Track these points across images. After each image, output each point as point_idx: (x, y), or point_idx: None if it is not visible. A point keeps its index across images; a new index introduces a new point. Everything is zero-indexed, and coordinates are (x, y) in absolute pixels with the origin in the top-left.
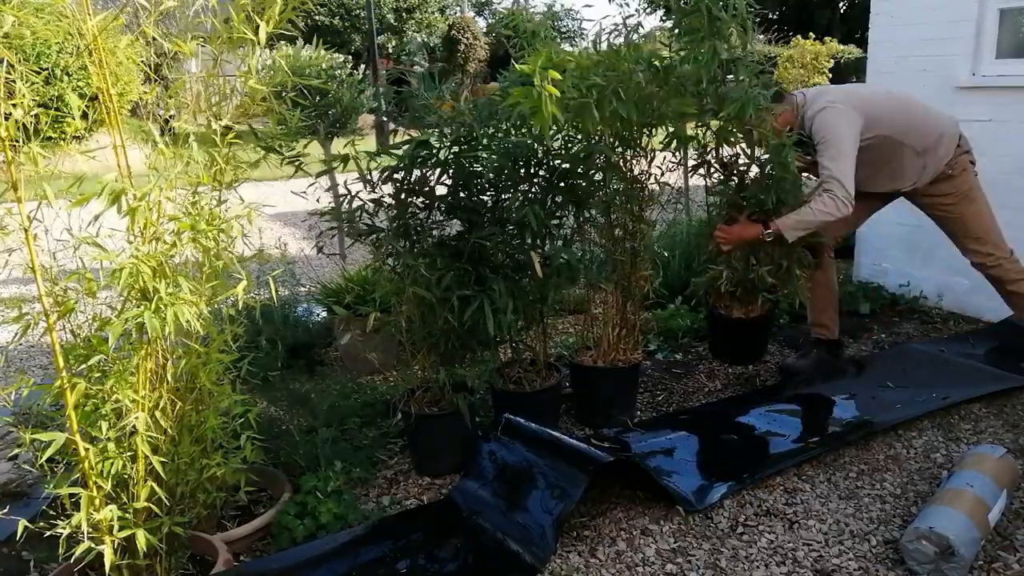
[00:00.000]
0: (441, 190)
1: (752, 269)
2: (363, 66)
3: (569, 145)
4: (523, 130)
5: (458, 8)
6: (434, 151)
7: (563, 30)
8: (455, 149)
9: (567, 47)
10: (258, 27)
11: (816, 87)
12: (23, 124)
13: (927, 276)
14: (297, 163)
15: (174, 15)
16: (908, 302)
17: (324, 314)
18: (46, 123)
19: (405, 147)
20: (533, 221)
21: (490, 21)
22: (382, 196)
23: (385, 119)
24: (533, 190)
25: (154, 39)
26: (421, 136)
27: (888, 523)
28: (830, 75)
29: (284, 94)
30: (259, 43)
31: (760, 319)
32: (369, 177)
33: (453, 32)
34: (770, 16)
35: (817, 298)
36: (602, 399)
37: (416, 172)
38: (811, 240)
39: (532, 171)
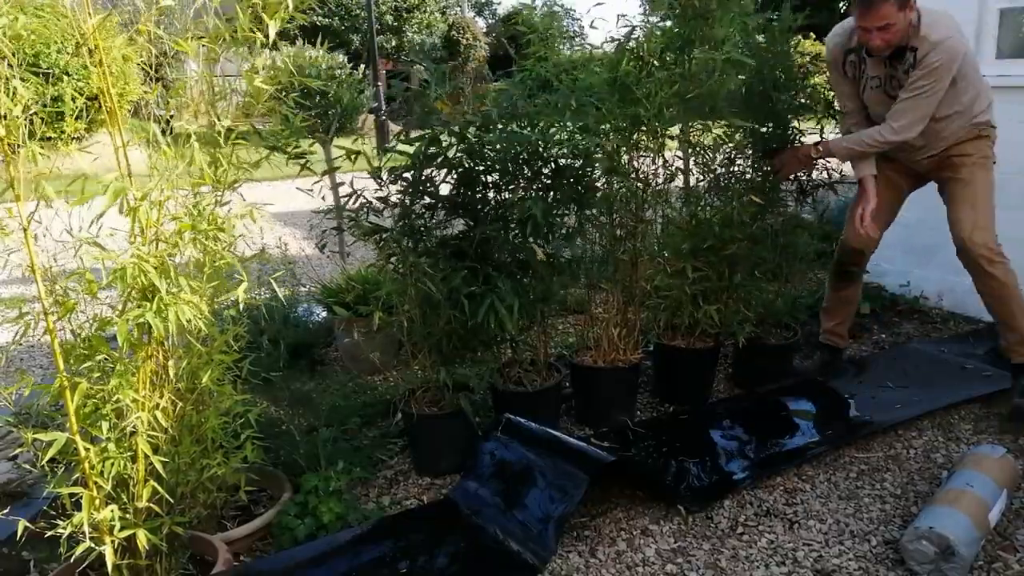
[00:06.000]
0: (444, 188)
1: (697, 306)
2: (363, 66)
3: (573, 144)
4: (528, 127)
5: (458, 8)
6: (443, 148)
7: (562, 30)
8: (463, 146)
9: (567, 48)
10: (266, 26)
11: (930, 11)
12: (21, 124)
13: (927, 276)
14: (305, 161)
15: (176, 14)
16: (908, 302)
17: (324, 314)
18: (44, 123)
19: (415, 144)
20: (538, 213)
21: (490, 21)
22: (389, 195)
23: (385, 118)
24: (536, 187)
25: (152, 37)
26: (431, 132)
27: (888, 523)
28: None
29: (286, 94)
30: (267, 42)
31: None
32: (378, 175)
33: (453, 32)
34: (770, 16)
35: (837, 310)
36: (602, 399)
37: (424, 171)
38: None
39: (536, 168)
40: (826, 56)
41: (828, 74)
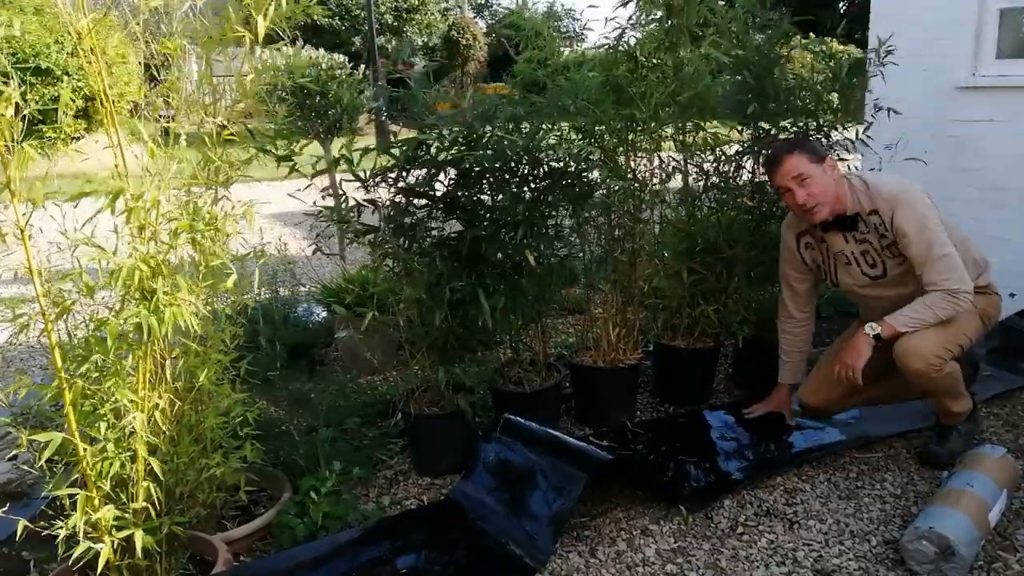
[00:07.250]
0: (439, 188)
1: (696, 307)
2: (363, 66)
3: (567, 146)
4: (516, 131)
5: (458, 9)
6: (431, 150)
7: (562, 30)
8: (453, 150)
9: (567, 49)
10: (254, 23)
11: (870, 177)
12: (15, 125)
13: None
14: (292, 164)
15: (169, 15)
16: None
17: (324, 314)
18: (42, 123)
19: (402, 147)
20: (534, 214)
21: (490, 22)
22: (377, 197)
23: (385, 119)
24: (526, 189)
25: (144, 37)
26: (418, 137)
27: (888, 523)
28: (830, 75)
29: (283, 95)
30: (258, 40)
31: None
32: (364, 177)
33: (453, 33)
34: (771, 17)
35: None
36: (602, 399)
37: (415, 172)
38: None
39: (526, 170)
40: (781, 245)
41: (781, 261)
